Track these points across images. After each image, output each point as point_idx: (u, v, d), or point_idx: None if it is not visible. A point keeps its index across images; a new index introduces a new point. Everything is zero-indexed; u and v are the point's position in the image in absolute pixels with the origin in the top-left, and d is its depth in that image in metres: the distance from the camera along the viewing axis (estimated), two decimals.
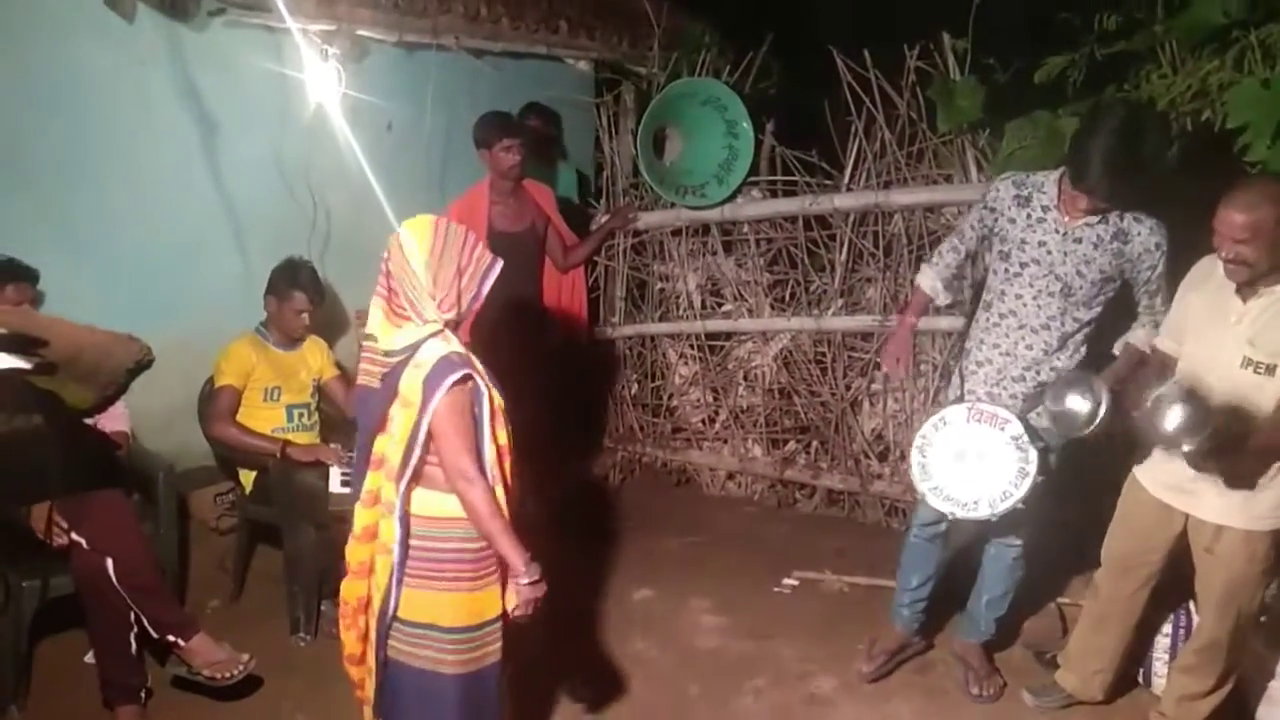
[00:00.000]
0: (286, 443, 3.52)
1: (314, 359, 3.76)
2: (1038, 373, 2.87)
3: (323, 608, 3.50)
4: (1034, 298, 2.81)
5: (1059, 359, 2.86)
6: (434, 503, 2.23)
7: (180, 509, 3.56)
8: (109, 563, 2.86)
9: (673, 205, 4.79)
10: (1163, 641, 3.15)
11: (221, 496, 3.94)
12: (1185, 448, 2.47)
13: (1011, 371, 2.89)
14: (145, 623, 2.91)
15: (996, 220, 2.87)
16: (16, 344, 1.00)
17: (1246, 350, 2.53)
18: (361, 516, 2.28)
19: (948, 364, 4.09)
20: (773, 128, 4.74)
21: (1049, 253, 2.76)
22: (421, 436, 2.13)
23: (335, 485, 3.42)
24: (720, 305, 4.94)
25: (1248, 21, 3.12)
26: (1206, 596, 2.77)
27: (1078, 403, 2.67)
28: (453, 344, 2.18)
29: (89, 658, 3.03)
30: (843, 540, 4.36)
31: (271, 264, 4.07)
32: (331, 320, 4.12)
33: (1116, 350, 2.94)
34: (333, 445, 3.57)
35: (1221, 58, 3.23)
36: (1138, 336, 2.89)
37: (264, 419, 3.59)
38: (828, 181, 4.54)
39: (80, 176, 3.53)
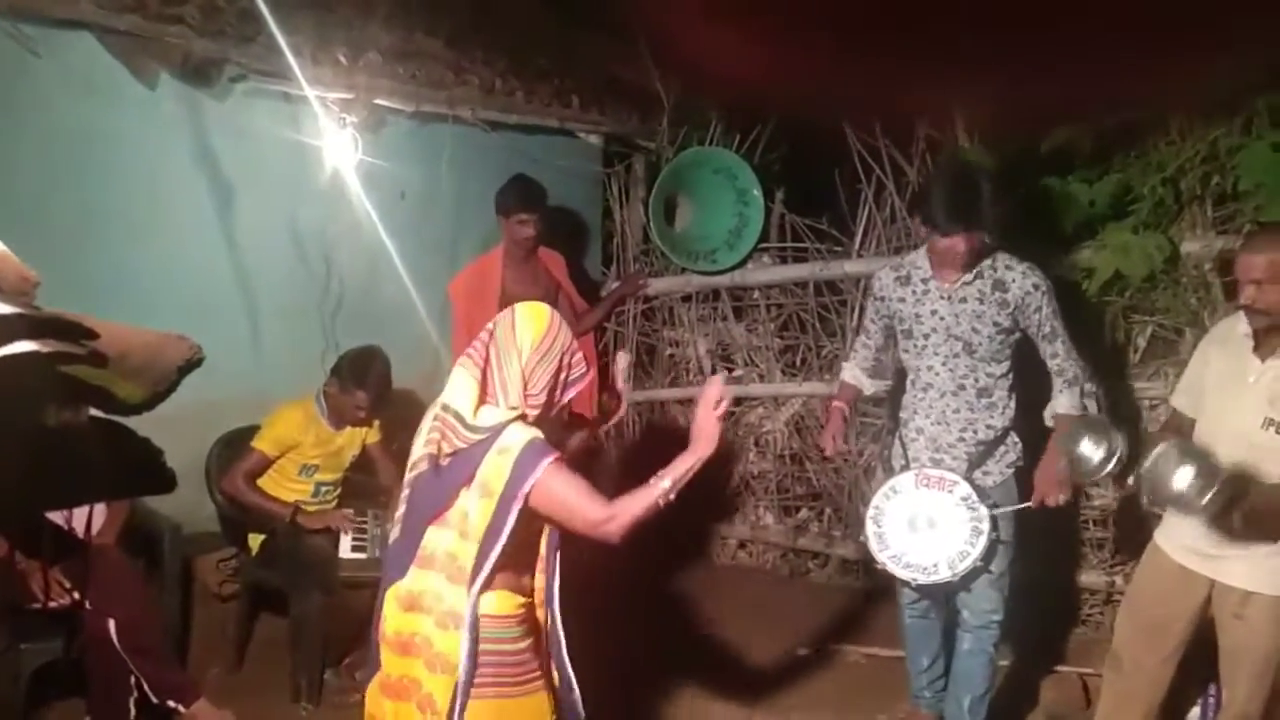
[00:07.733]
0: (297, 508, 3.47)
1: (359, 435, 3.66)
2: (974, 433, 2.92)
3: (326, 676, 3.42)
4: (943, 363, 2.92)
5: (990, 418, 2.92)
6: (494, 601, 2.01)
7: (184, 573, 3.50)
8: (111, 624, 2.81)
9: (683, 271, 4.82)
10: (1194, 712, 3.06)
11: (225, 563, 3.88)
12: (1200, 505, 2.37)
13: (947, 438, 2.95)
14: (146, 687, 2.84)
15: (888, 306, 3.02)
16: (66, 329, 0.97)
17: (1267, 410, 2.50)
18: (395, 620, 2.03)
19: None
20: (782, 196, 4.77)
21: (942, 318, 2.88)
22: (507, 530, 1.90)
23: (345, 551, 3.38)
24: (731, 370, 4.93)
25: (1254, 87, 3.17)
26: (1234, 667, 2.67)
27: (1090, 448, 2.64)
28: (534, 430, 1.99)
29: None
30: (857, 610, 4.27)
31: (282, 329, 4.08)
32: None
33: (1048, 421, 2.97)
34: (345, 510, 3.52)
35: (1229, 123, 3.27)
36: (1062, 404, 2.92)
37: (291, 491, 3.53)
38: (838, 248, 4.57)
39: (99, 239, 3.53)
